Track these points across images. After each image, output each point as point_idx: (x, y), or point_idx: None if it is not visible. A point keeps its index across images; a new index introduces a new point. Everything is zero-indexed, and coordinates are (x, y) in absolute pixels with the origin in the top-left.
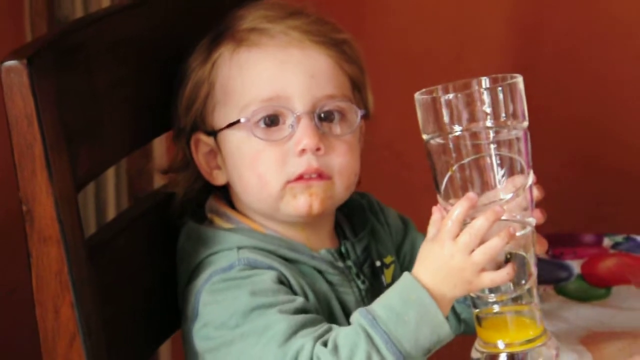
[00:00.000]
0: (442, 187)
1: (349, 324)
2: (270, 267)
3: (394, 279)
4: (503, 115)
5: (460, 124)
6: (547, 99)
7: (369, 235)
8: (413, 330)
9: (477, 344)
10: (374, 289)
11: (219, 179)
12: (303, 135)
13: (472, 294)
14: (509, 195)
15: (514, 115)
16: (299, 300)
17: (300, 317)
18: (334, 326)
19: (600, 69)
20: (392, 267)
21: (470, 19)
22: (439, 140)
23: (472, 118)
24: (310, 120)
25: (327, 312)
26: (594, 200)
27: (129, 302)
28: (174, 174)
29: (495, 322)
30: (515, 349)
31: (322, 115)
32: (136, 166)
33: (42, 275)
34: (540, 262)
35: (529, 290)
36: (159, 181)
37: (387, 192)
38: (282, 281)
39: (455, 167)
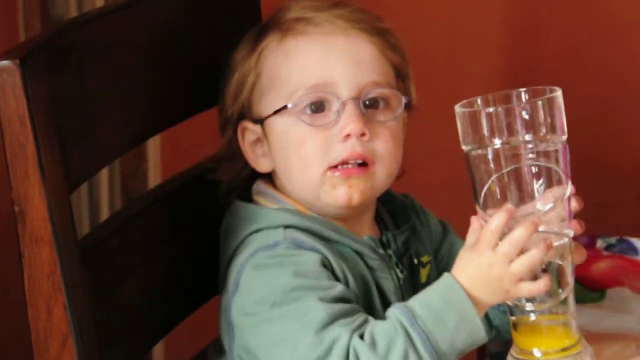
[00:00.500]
0: (481, 197)
1: (385, 309)
2: (314, 249)
3: (430, 279)
4: (542, 129)
5: (500, 137)
6: None
7: (409, 231)
8: (451, 331)
9: (512, 351)
10: (411, 282)
11: (264, 166)
12: (348, 120)
13: (508, 302)
14: (548, 207)
15: (553, 129)
16: (339, 288)
17: (339, 306)
18: (371, 318)
19: (598, 69)
20: (428, 266)
21: (466, 18)
22: (478, 151)
23: (512, 131)
24: (356, 106)
25: (366, 295)
26: (589, 201)
27: (122, 302)
28: (222, 164)
29: (531, 329)
30: (551, 357)
31: (367, 102)
32: (130, 167)
33: (35, 276)
34: None
35: (565, 300)
36: (153, 181)
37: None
38: (325, 264)
39: (494, 178)
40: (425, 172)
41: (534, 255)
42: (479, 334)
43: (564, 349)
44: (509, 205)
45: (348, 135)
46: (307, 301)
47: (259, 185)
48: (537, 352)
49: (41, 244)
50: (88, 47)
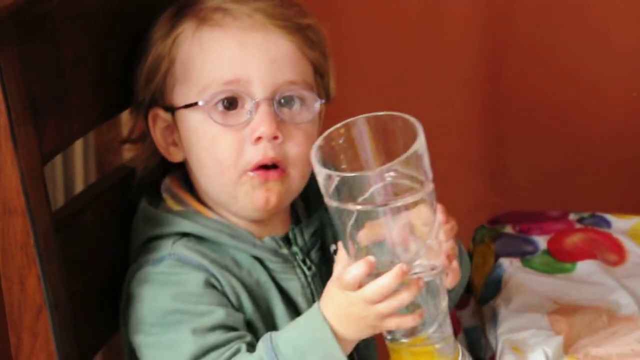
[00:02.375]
0: (348, 227)
1: (292, 312)
2: (200, 266)
3: None
4: (406, 182)
5: (356, 200)
6: (516, 76)
7: (321, 219)
8: None
9: None
10: (323, 274)
11: (175, 156)
12: (261, 122)
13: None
14: (419, 256)
15: (418, 181)
16: (217, 315)
17: (212, 338)
18: (243, 348)
19: (570, 48)
20: None
21: None
22: (338, 204)
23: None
24: (269, 107)
25: (265, 303)
26: (559, 176)
27: (96, 275)
28: (132, 144)
29: (408, 353)
30: None
31: (282, 100)
32: (104, 140)
33: (8, 247)
34: (506, 237)
35: (439, 326)
36: (127, 156)
37: None
38: (211, 283)
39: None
40: None
41: (404, 298)
42: None
43: None
44: (371, 258)
45: (259, 138)
46: (180, 332)
47: (167, 184)
48: None
49: (14, 215)
50: (60, 19)
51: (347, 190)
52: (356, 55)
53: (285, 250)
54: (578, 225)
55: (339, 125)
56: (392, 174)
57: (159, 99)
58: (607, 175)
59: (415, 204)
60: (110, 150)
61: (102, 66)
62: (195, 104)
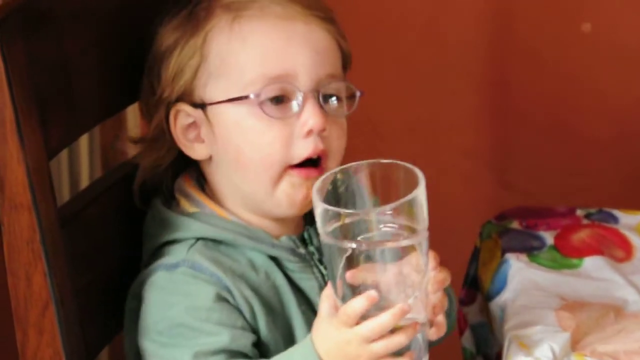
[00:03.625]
0: (339, 268)
1: (310, 311)
2: (214, 276)
3: None
4: (401, 228)
5: (355, 239)
6: (520, 69)
7: None
8: None
9: None
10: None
11: (199, 153)
12: (310, 115)
13: None
14: (413, 297)
15: (411, 228)
16: (222, 339)
17: None
18: None
19: (574, 39)
20: None
21: None
22: (333, 241)
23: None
24: (316, 100)
25: (281, 305)
26: (566, 171)
27: (102, 271)
28: (144, 144)
29: None
30: None
31: (325, 94)
32: (109, 138)
33: (14, 243)
34: (513, 232)
35: None
36: (132, 152)
37: None
38: (224, 297)
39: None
40: (401, 143)
41: (401, 340)
42: None
43: None
44: (372, 292)
45: (310, 131)
46: (182, 350)
47: (181, 184)
48: None
49: (20, 211)
50: (65, 13)
51: (344, 229)
52: (365, 55)
53: (302, 250)
54: (585, 221)
55: (337, 170)
56: (390, 219)
57: (186, 95)
58: (614, 171)
59: (410, 249)
60: (116, 147)
61: (106, 61)
62: (243, 97)
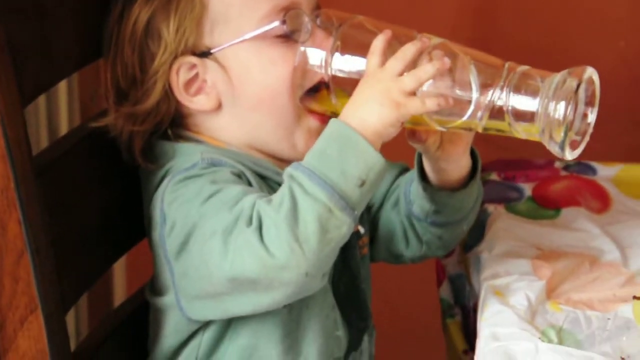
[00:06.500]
0: None
1: None
2: (231, 166)
3: None
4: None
5: None
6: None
7: None
8: (336, 160)
9: None
10: None
11: (205, 104)
12: (321, 41)
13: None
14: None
15: None
16: (255, 189)
17: (252, 189)
18: None
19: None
20: None
21: None
22: None
23: None
24: (318, 27)
25: None
26: None
27: (79, 220)
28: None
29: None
30: None
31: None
32: (88, 91)
33: None
34: (492, 183)
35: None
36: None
37: None
38: (241, 177)
39: None
40: None
41: (427, 70)
42: (370, 155)
43: None
44: (385, 30)
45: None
46: (223, 190)
47: (177, 131)
48: None
49: None
50: None
51: None
52: None
53: None
54: (563, 173)
55: None
56: None
57: (188, 49)
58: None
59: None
60: (94, 100)
61: (82, 10)
62: (267, 30)
